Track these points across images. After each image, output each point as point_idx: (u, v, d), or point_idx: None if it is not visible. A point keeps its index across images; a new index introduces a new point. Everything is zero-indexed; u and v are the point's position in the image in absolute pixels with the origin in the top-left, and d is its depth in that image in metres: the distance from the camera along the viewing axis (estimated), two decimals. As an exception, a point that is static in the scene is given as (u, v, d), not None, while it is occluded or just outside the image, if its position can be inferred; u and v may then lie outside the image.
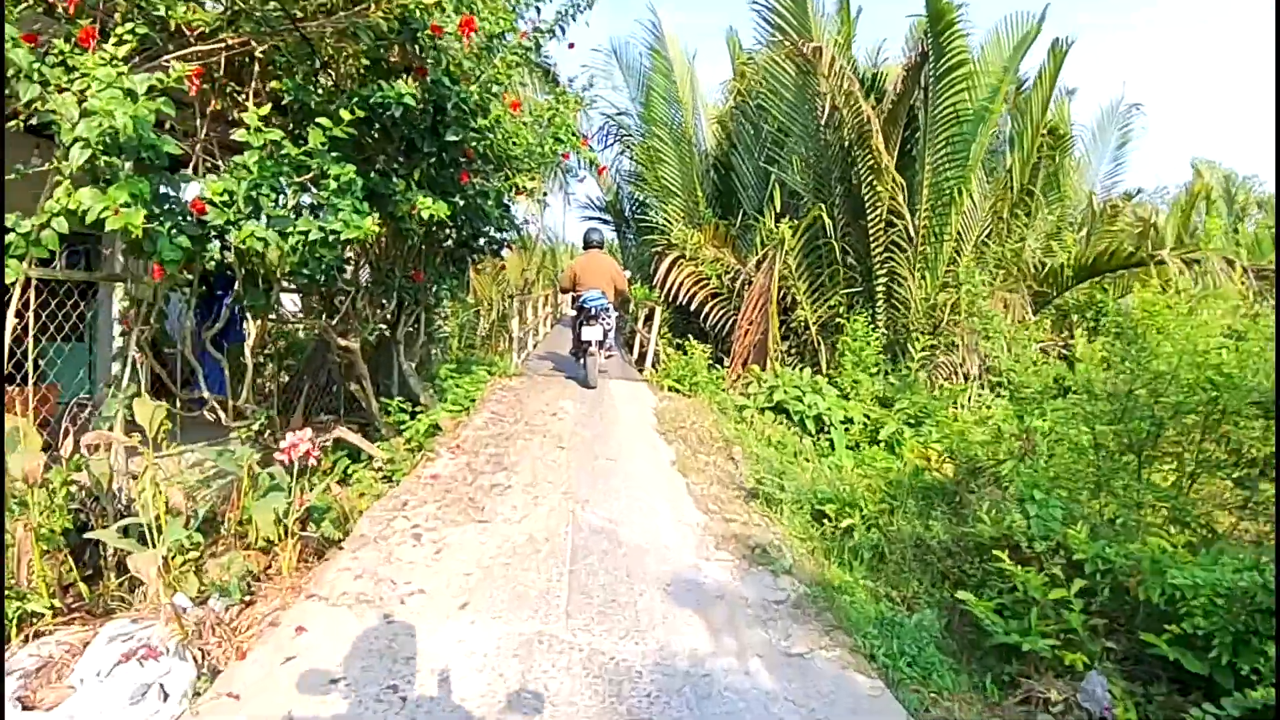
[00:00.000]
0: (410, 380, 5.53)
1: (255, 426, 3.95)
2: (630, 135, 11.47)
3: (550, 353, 10.57)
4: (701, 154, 10.49)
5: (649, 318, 10.14)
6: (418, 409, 5.07)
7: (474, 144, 3.99)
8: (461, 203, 4.02)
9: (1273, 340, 3.42)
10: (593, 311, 6.63)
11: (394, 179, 3.65)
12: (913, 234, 8.57)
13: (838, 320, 8.61)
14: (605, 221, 13.44)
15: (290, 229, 3.00)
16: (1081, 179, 13.77)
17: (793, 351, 8.99)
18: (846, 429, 7.38)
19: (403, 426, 4.72)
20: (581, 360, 6.97)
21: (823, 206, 7.90)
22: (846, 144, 8.68)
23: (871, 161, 8.33)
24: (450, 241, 5.78)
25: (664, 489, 4.27)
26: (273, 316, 4.09)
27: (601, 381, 7.16)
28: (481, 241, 5.57)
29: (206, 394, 3.72)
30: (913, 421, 7.22)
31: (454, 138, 3.65)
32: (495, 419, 5.39)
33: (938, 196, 8.82)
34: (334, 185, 3.10)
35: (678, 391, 7.05)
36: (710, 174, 10.61)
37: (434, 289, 5.46)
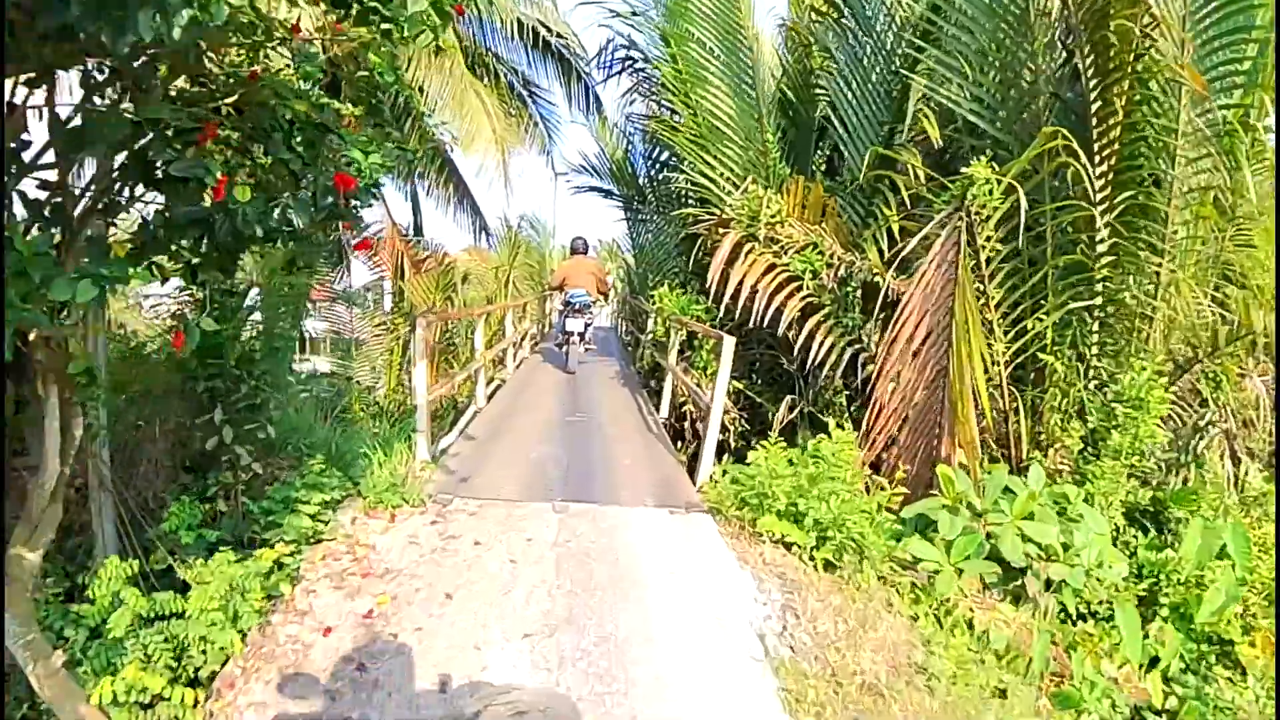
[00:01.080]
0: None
1: None
2: (645, 61, 7.51)
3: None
4: (763, 103, 6.47)
5: (688, 347, 6.08)
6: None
7: None
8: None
9: None
10: (577, 306, 7.45)
11: None
12: (1170, 197, 4.71)
13: (1039, 358, 4.71)
14: (608, 194, 9.41)
15: None
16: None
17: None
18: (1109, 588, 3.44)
19: None
20: (565, 349, 7.87)
21: (1064, 134, 3.96)
22: (1055, 37, 4.80)
23: (1109, 61, 4.45)
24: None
25: None
26: None
27: (613, 536, 3.22)
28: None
29: None
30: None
31: None
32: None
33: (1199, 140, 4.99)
34: None
35: (792, 546, 3.03)
36: (774, 113, 6.64)
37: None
